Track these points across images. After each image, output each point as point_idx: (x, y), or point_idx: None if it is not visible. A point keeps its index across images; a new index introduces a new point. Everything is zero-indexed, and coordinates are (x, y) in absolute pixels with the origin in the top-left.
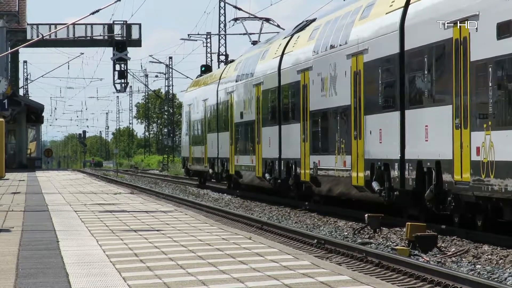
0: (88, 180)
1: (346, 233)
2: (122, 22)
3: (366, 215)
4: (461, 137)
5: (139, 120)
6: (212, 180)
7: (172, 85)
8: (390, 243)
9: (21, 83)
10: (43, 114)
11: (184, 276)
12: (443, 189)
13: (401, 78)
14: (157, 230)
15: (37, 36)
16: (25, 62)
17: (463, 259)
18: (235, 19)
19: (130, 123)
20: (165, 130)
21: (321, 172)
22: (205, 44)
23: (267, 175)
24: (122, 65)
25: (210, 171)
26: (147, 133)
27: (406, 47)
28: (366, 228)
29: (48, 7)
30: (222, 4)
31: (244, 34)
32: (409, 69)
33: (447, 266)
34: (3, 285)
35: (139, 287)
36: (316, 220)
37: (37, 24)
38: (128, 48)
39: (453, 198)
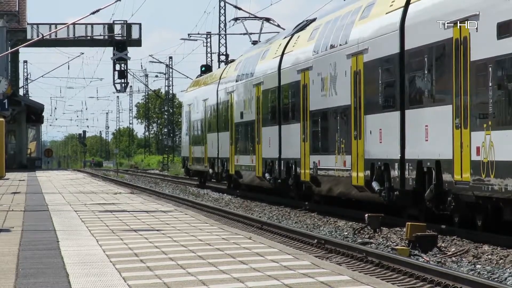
0: (88, 180)
1: (346, 233)
2: (122, 22)
3: (366, 215)
4: (461, 137)
5: (139, 120)
6: (212, 180)
7: (172, 85)
8: (390, 243)
9: (21, 83)
10: (43, 114)
11: (184, 276)
12: (443, 189)
13: (401, 78)
14: (157, 230)
15: (37, 36)
16: (25, 62)
17: (463, 259)
18: (235, 19)
19: (130, 123)
20: (165, 130)
21: (321, 172)
22: (205, 44)
23: (267, 175)
24: (122, 65)
25: (210, 171)
26: (147, 133)
27: (406, 47)
28: (366, 228)
29: (48, 7)
30: (222, 4)
31: (244, 34)
32: (409, 69)
33: (447, 266)
34: (3, 285)
35: (139, 287)
36: (316, 220)
37: (37, 24)
38: (128, 48)
39: (453, 198)
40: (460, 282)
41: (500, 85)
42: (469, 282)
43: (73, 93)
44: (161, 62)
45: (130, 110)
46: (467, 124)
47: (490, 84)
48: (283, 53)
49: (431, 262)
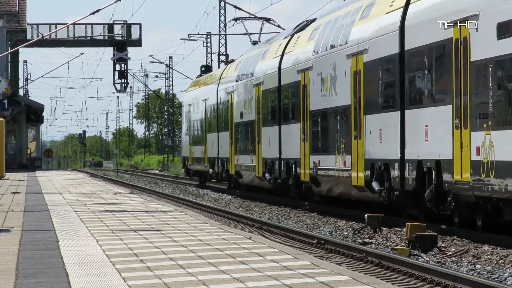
0: (88, 180)
1: (346, 233)
2: (122, 22)
3: (366, 215)
4: (461, 137)
5: (139, 120)
6: (212, 180)
7: (172, 85)
8: (390, 243)
9: (21, 83)
10: (43, 114)
11: (184, 276)
12: (443, 189)
13: (401, 78)
14: (157, 230)
15: (37, 36)
16: (25, 62)
17: (463, 259)
18: (235, 19)
19: (130, 123)
20: (165, 130)
21: (321, 172)
22: (205, 44)
23: (267, 175)
24: (122, 65)
25: (210, 171)
26: (147, 133)
27: (406, 47)
28: (366, 228)
29: (48, 7)
30: (222, 4)
31: (244, 34)
32: (409, 69)
33: (447, 266)
34: (3, 285)
35: (139, 287)
36: (316, 220)
37: (37, 24)
38: (128, 48)
39: (453, 198)
40: (460, 282)
41: (500, 85)
42: (469, 282)
43: (73, 93)
44: (161, 62)
45: (130, 110)
46: (467, 124)
47: (490, 84)
48: (283, 53)
49: (431, 262)
